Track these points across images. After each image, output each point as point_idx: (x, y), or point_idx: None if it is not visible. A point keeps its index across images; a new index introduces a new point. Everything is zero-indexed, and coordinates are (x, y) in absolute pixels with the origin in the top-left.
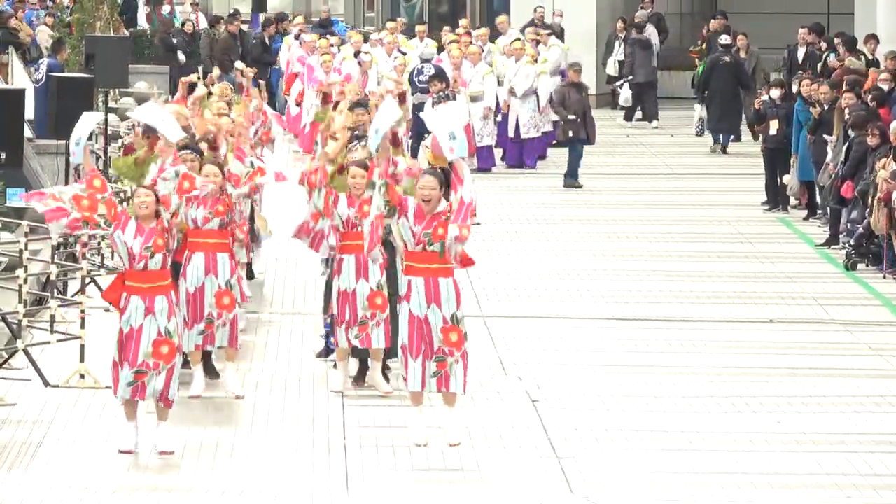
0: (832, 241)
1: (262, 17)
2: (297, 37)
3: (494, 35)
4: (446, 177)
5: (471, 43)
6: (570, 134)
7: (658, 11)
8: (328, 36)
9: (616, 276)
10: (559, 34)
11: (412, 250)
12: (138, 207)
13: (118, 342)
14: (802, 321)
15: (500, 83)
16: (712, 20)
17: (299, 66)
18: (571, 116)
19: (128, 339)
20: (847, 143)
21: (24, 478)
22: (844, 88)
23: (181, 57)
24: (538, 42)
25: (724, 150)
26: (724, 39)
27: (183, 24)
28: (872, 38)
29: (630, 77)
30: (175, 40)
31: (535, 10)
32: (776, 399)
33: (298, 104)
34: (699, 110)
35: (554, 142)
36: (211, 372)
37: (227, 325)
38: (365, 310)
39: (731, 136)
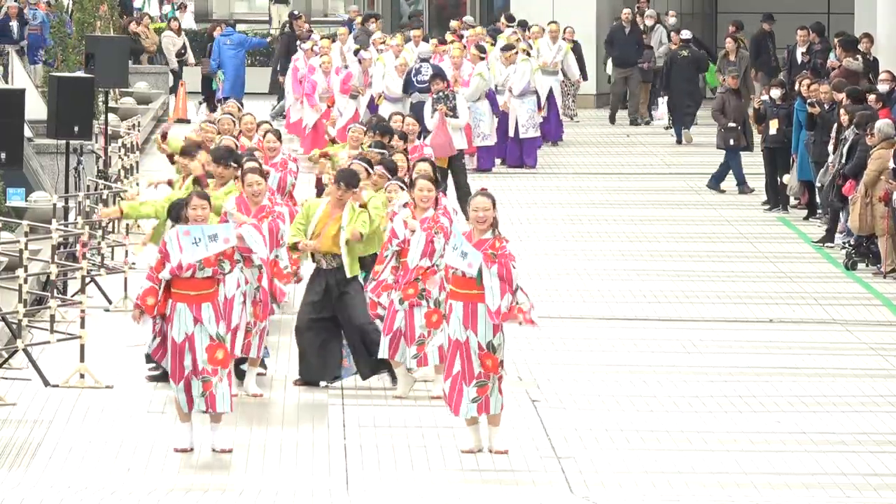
0: (828, 237)
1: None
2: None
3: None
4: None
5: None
6: (732, 142)
7: (656, 11)
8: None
9: (616, 276)
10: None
11: (455, 275)
12: (194, 217)
13: (171, 353)
14: (802, 321)
15: (497, 90)
16: (763, 23)
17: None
18: (732, 124)
19: (181, 349)
20: (850, 143)
21: (24, 478)
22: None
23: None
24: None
25: (678, 142)
26: (685, 34)
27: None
28: (866, 38)
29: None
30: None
31: (621, 13)
32: (776, 399)
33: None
34: (661, 104)
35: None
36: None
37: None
38: (422, 328)
39: (683, 127)
